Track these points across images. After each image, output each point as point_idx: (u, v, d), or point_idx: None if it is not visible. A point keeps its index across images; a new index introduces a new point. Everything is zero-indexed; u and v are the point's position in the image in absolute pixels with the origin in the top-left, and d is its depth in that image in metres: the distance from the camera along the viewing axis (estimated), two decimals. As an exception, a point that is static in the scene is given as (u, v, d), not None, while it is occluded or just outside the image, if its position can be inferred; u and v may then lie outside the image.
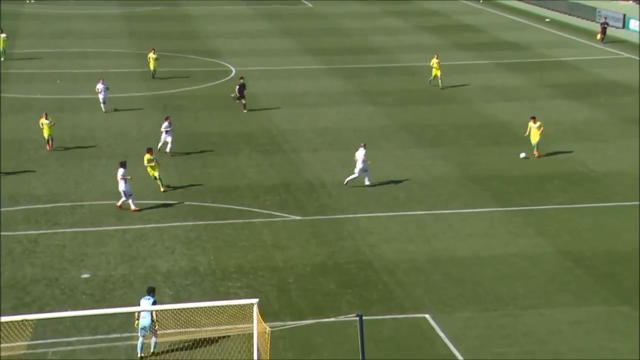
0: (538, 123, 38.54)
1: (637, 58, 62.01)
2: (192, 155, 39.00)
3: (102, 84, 45.48)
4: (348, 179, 34.67)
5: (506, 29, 73.54)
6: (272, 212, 32.21)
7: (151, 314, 21.39)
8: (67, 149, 39.42)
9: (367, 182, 34.59)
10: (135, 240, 29.61)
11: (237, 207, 32.70)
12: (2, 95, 48.78)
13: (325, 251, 28.94)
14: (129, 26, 72.58)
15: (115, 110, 45.53)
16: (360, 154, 34.55)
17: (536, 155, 38.47)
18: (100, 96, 45.37)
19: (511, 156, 39.45)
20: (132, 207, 31.84)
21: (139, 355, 21.88)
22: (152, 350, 21.96)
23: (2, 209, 31.55)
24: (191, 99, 49.16)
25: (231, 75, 55.12)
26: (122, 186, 31.94)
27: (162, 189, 33.83)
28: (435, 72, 51.53)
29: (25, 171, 36.32)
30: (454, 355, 22.61)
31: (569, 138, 42.58)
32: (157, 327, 21.50)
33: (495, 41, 68.27)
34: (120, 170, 32.01)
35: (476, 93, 51.00)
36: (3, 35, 56.98)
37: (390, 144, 41.28)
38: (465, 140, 42.05)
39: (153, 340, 21.90)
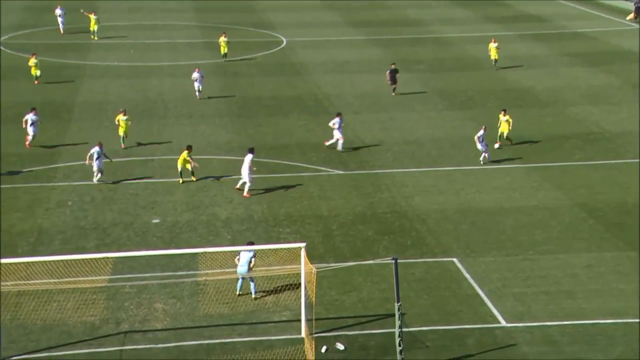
0: (507, 117, 34.23)
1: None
2: (248, 116, 38.99)
3: (198, 72, 41.01)
4: (482, 157, 32.18)
5: (529, 3, 71.68)
6: (318, 167, 32.13)
7: (248, 263, 21.40)
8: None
9: (483, 158, 32.23)
10: (198, 190, 29.79)
11: (287, 163, 32.68)
12: (86, 62, 49.18)
13: (365, 202, 28.84)
14: (194, 2, 72.27)
15: (209, 98, 42.09)
16: (480, 134, 32.11)
17: (500, 145, 34.20)
18: (196, 84, 40.88)
19: (532, 118, 38.75)
20: (245, 192, 28.93)
21: (237, 293, 21.96)
22: (252, 294, 21.84)
23: (85, 162, 31.89)
24: (247, 66, 48.99)
25: (282, 45, 54.79)
26: (246, 170, 28.97)
27: (181, 181, 30.08)
28: (494, 55, 47.27)
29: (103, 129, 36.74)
30: (478, 294, 22.49)
31: (585, 102, 41.68)
32: (253, 271, 21.51)
33: (519, 14, 66.65)
34: (249, 156, 29.04)
35: (502, 61, 49.91)
36: (94, 16, 56.53)
37: (424, 107, 40.79)
38: (491, 103, 41.36)
39: (252, 285, 21.84)
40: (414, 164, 32.60)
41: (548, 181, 30.83)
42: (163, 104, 41.02)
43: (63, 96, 41.99)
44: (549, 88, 44.27)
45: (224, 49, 49.31)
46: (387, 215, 27.69)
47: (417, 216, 27.60)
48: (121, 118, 33.93)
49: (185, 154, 30.02)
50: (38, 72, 43.54)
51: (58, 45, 53.84)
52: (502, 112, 34.81)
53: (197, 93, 41.22)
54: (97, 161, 29.89)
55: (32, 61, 43.68)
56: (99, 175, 30.03)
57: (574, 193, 29.65)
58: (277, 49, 54.07)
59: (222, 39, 49.44)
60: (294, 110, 40.14)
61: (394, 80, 42.04)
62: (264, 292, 22.20)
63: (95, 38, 55.63)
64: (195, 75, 41.05)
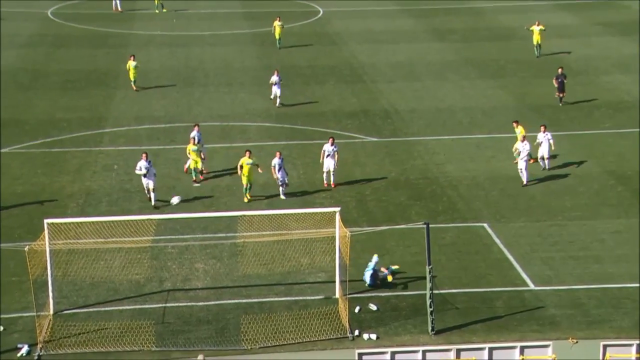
0: (520, 128, 28.45)
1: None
2: (285, 85, 38.76)
3: (277, 76, 34.72)
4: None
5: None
6: (353, 134, 31.95)
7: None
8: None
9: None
10: (237, 156, 29.65)
11: (323, 130, 32.53)
12: (132, 32, 49.27)
13: (398, 168, 28.65)
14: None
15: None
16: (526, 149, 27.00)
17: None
18: (274, 88, 34.70)
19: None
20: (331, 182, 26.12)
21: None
22: None
23: (129, 128, 32.11)
24: (284, 35, 48.54)
25: (319, 15, 54.28)
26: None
27: (245, 199, 26.01)
28: (537, 39, 42.56)
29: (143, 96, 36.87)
30: (507, 258, 22.32)
31: (616, 70, 40.71)
32: None
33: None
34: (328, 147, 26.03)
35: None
36: None
37: (457, 76, 40.21)
38: (522, 73, 40.64)
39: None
40: (445, 131, 32.24)
41: (578, 149, 30.28)
42: (204, 72, 41.03)
43: (109, 64, 42.21)
44: (580, 57, 43.30)
45: (278, 34, 45.07)
46: (420, 181, 27.49)
47: (449, 182, 27.35)
48: (191, 148, 27.48)
49: (246, 159, 25.77)
50: (136, 76, 37.28)
51: (105, 15, 54.00)
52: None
53: (274, 99, 34.89)
54: (281, 172, 25.92)
55: (131, 64, 37.16)
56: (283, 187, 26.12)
57: (603, 160, 29.11)
58: (313, 19, 53.59)
59: (277, 23, 45.29)
60: (329, 79, 39.87)
61: (562, 88, 34.55)
62: (300, 251, 22.26)
63: (164, 10, 54.88)
64: (274, 78, 34.73)
